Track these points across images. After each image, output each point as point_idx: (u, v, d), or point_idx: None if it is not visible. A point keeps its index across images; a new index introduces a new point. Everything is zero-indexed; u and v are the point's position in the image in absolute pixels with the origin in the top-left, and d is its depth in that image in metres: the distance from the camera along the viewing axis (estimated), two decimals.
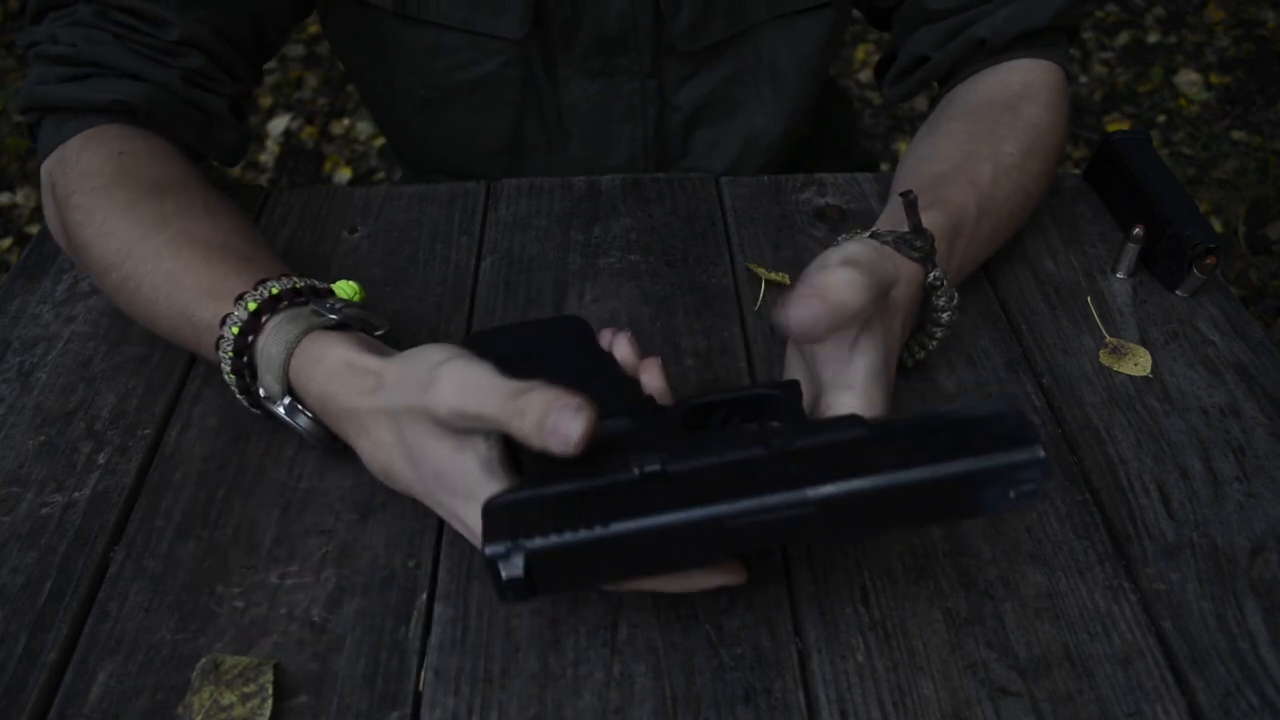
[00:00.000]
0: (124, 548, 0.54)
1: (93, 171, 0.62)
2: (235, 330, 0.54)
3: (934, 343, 0.60)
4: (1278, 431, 0.60)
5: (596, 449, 0.42)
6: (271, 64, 2.66)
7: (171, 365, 0.64)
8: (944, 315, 0.59)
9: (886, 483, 0.40)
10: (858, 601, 0.51)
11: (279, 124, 2.49)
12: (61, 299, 0.69)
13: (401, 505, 0.55)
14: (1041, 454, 0.41)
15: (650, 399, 0.50)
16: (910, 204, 0.55)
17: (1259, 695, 0.47)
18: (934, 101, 0.78)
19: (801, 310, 0.47)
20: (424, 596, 0.51)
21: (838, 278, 0.48)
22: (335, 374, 0.51)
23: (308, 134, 2.47)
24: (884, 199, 0.78)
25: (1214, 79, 2.54)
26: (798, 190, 0.79)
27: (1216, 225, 2.05)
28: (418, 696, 0.47)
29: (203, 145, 0.70)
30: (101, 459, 0.58)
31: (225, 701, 0.46)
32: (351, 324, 0.54)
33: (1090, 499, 0.56)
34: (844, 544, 0.51)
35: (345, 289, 0.58)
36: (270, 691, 0.46)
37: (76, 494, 0.56)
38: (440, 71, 0.78)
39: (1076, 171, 0.89)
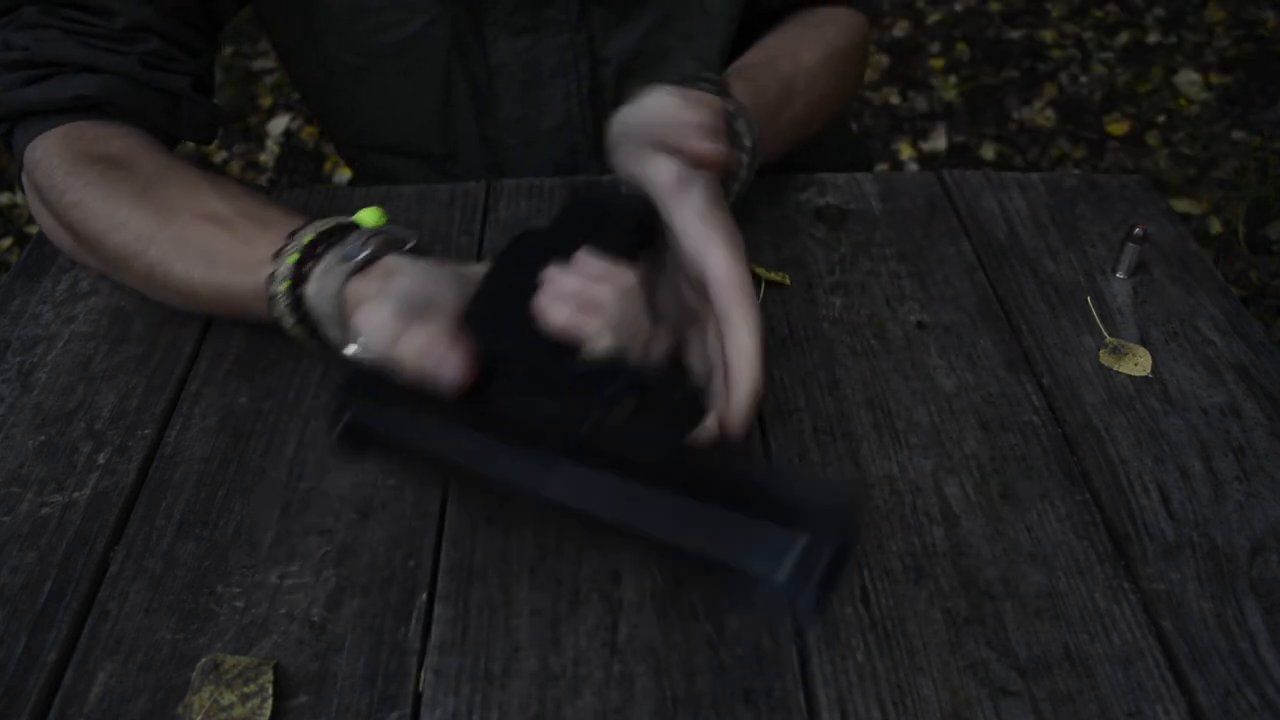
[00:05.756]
0: (124, 548, 0.54)
1: (80, 169, 0.62)
2: (285, 286, 0.55)
3: (737, 185, 0.64)
4: (1278, 431, 0.60)
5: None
6: (271, 63, 2.66)
7: (171, 365, 0.64)
8: (746, 141, 0.63)
9: (629, 523, 0.40)
10: (858, 601, 0.51)
11: (279, 124, 2.49)
12: (61, 299, 0.69)
13: (401, 505, 0.55)
14: (780, 578, 0.36)
15: (569, 343, 0.49)
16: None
17: (1259, 695, 0.47)
18: None
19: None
20: (424, 596, 0.51)
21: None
22: None
23: (308, 134, 2.47)
24: (884, 198, 0.78)
25: (1214, 79, 2.54)
26: (798, 190, 0.79)
27: (1216, 225, 2.05)
28: (418, 696, 0.47)
29: (173, 127, 0.70)
30: (101, 459, 0.58)
31: (225, 701, 0.46)
32: (381, 252, 0.55)
33: (1090, 499, 0.56)
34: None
35: (368, 217, 0.58)
36: (270, 691, 0.46)
37: (76, 494, 0.56)
38: (364, 34, 0.77)
39: (1077, 171, 0.89)
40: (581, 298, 0.49)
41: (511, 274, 0.52)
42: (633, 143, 0.56)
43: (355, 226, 0.56)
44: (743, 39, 0.82)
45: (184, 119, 0.71)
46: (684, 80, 0.60)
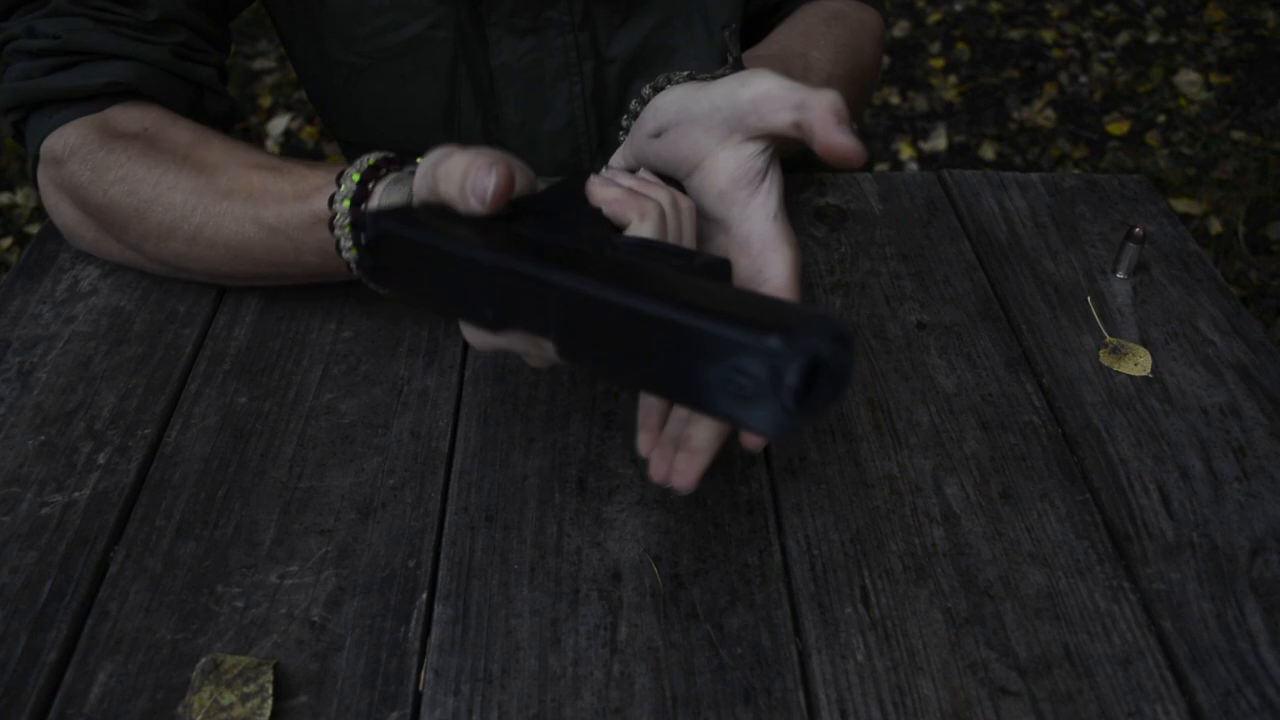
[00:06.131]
0: (124, 548, 0.54)
1: (121, 145, 0.63)
2: (348, 203, 0.55)
3: None
4: (1278, 431, 0.60)
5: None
6: (271, 64, 2.66)
7: (171, 365, 0.64)
8: None
9: (617, 300, 0.36)
10: (858, 601, 0.51)
11: (279, 124, 2.49)
12: (61, 299, 0.69)
13: (401, 505, 0.55)
14: (773, 344, 0.31)
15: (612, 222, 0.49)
16: (732, 34, 0.56)
17: (1259, 695, 0.47)
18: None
19: None
20: (424, 596, 0.51)
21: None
22: None
23: (308, 134, 2.47)
24: (884, 198, 0.78)
25: (1214, 79, 2.54)
26: (798, 190, 0.79)
27: (1216, 225, 2.05)
28: (418, 696, 0.47)
29: (197, 118, 0.71)
30: (101, 459, 0.58)
31: (225, 701, 0.46)
32: None
33: (1090, 499, 0.56)
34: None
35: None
36: (270, 691, 0.46)
37: (76, 494, 0.56)
38: (365, 36, 0.77)
39: (1076, 171, 0.89)
40: (635, 190, 0.48)
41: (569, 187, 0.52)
42: (699, 126, 0.50)
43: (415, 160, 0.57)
44: (744, 38, 0.82)
45: (206, 110, 0.72)
46: (716, 73, 0.59)
